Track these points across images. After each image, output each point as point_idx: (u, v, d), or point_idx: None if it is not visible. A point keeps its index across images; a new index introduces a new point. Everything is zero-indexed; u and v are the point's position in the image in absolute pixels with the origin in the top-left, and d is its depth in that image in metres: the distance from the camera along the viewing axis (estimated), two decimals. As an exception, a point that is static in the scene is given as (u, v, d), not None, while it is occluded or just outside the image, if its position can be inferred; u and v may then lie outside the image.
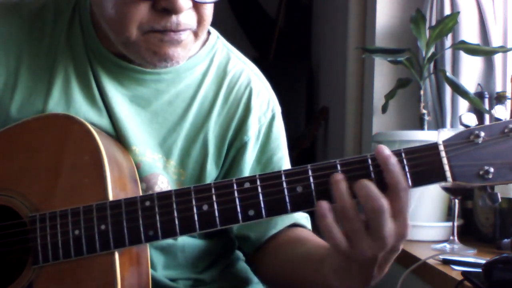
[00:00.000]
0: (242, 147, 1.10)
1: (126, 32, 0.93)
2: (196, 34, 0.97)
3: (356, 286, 0.85)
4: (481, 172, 0.81)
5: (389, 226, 0.78)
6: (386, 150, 0.80)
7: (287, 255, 1.06)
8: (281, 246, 1.09)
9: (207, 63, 1.11)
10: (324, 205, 0.80)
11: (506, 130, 0.81)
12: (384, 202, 0.78)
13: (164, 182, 1.05)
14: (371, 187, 0.79)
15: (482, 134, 0.82)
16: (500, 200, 0.85)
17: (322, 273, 0.89)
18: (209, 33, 1.13)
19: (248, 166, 1.11)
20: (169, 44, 0.94)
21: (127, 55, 0.99)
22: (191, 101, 1.08)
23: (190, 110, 1.08)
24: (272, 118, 1.14)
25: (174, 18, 0.91)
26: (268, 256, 1.10)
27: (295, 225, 1.12)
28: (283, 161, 1.14)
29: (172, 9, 0.89)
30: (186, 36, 0.94)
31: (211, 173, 1.10)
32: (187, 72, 1.08)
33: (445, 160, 0.82)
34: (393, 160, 0.80)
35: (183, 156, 1.07)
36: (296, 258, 1.03)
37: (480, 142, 0.81)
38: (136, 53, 0.96)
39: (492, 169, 0.81)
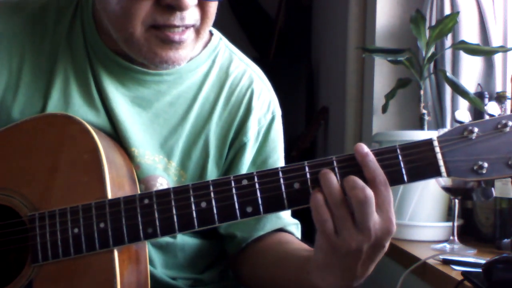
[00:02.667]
0: (241, 148, 1.10)
1: (130, 28, 0.92)
2: (198, 32, 0.97)
3: (339, 284, 0.86)
4: (475, 167, 0.83)
5: (374, 218, 0.80)
6: (364, 148, 0.83)
7: (272, 256, 1.06)
8: (266, 247, 1.09)
9: (209, 65, 1.11)
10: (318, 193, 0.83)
11: (499, 126, 0.83)
12: (368, 192, 0.80)
13: (163, 184, 1.05)
14: (357, 179, 0.81)
15: (476, 129, 0.83)
16: (494, 195, 0.86)
17: (306, 271, 0.90)
18: (211, 34, 1.13)
19: (246, 167, 1.11)
20: (170, 46, 0.94)
21: (129, 53, 0.99)
22: (192, 103, 1.08)
23: (191, 112, 1.08)
24: (272, 120, 1.14)
25: (178, 14, 0.91)
26: (252, 257, 1.10)
27: (283, 230, 1.12)
28: (278, 163, 1.14)
29: (177, 6, 0.89)
30: (188, 36, 0.95)
31: (212, 174, 1.09)
32: (189, 73, 1.08)
33: (439, 156, 0.83)
34: (371, 157, 0.82)
35: (184, 158, 1.07)
36: (280, 258, 1.03)
37: (474, 137, 0.83)
38: (137, 51, 0.96)
39: (486, 164, 0.82)
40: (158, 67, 1.00)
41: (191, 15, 0.93)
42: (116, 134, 1.04)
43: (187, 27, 0.94)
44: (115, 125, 1.03)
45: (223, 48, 1.14)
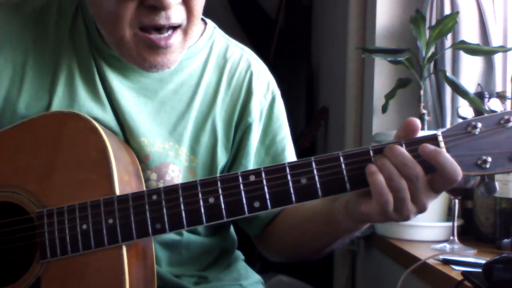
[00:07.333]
0: (247, 129, 1.13)
1: (120, 31, 0.95)
2: (185, 32, 0.99)
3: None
4: (479, 162, 0.85)
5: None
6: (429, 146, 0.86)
7: (294, 220, 1.09)
8: (286, 216, 1.11)
9: (207, 52, 1.14)
10: (373, 166, 0.85)
11: (502, 121, 0.85)
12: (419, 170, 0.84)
13: (175, 171, 1.07)
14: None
15: (479, 125, 0.85)
16: (497, 190, 0.88)
17: (333, 211, 0.94)
18: (205, 23, 1.16)
19: (254, 147, 1.13)
20: (158, 52, 0.97)
21: (120, 56, 1.02)
22: (195, 89, 1.11)
23: (196, 98, 1.11)
24: (273, 99, 1.17)
25: (163, 13, 0.93)
26: (278, 227, 1.13)
27: None
28: (285, 140, 1.17)
29: (160, 6, 0.92)
30: (174, 40, 0.97)
31: (222, 158, 1.12)
32: (188, 60, 1.11)
33: (444, 150, 0.85)
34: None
35: (194, 143, 1.10)
36: (304, 218, 1.06)
37: (477, 132, 0.85)
38: (128, 55, 0.99)
39: (489, 159, 0.84)
40: (147, 71, 1.02)
41: (176, 14, 0.95)
42: (123, 127, 1.06)
43: (174, 27, 0.96)
44: (121, 118, 1.05)
45: (218, 36, 1.17)
